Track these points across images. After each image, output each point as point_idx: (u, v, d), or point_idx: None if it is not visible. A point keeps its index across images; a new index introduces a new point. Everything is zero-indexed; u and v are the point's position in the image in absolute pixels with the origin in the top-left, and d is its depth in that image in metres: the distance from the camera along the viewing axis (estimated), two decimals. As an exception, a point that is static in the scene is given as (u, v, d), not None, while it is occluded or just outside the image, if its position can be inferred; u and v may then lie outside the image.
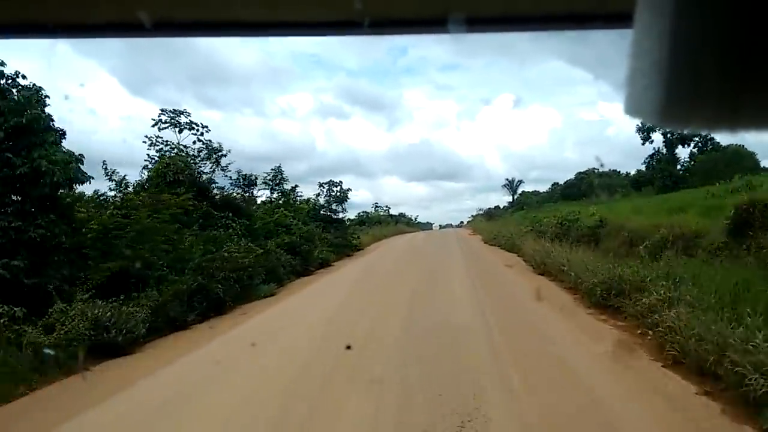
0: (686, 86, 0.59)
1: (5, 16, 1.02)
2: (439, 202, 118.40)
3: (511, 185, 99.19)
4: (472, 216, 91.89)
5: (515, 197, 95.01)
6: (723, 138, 33.72)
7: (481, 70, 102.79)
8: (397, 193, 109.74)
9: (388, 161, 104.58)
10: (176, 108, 25.06)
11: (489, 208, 67.12)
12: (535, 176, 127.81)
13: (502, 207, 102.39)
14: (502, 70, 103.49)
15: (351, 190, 68.69)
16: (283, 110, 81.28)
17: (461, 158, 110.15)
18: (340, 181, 68.26)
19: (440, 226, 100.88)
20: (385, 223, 73.38)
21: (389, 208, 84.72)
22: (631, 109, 0.64)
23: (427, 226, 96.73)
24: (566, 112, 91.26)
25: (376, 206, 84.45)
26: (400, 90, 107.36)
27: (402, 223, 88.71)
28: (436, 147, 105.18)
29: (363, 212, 79.76)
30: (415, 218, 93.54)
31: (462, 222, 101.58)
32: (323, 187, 67.47)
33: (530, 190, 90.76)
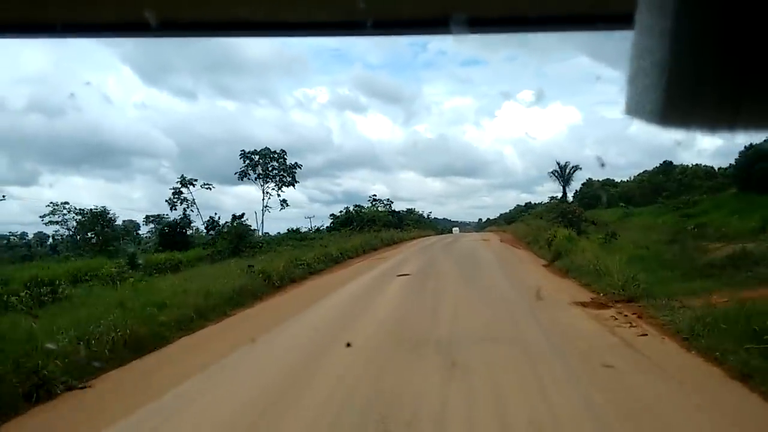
0: (687, 87, 0.59)
1: (12, 16, 1.03)
2: (456, 198, 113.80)
3: (563, 173, 72.58)
4: (500, 214, 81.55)
5: (567, 188, 70.05)
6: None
7: (502, 65, 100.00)
8: (414, 189, 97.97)
9: (405, 156, 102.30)
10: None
11: (562, 201, 40.19)
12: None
13: (536, 204, 79.36)
14: (523, 64, 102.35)
15: (300, 167, 42.82)
16: (300, 102, 79.73)
17: (479, 154, 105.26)
18: (282, 151, 42.03)
19: (460, 227, 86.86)
20: (377, 227, 49.20)
21: (391, 202, 61.53)
22: (632, 110, 0.64)
23: (443, 225, 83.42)
24: (587, 109, 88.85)
25: (374, 199, 61.17)
26: (419, 84, 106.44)
27: (410, 224, 64.49)
28: (454, 142, 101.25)
29: (356, 206, 55.87)
30: (428, 215, 78.05)
31: (481, 220, 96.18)
32: (249, 158, 41.17)
33: (596, 178, 64.80)
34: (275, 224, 74.05)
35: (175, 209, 35.32)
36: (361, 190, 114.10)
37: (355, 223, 50.35)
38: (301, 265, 20.09)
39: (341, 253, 26.13)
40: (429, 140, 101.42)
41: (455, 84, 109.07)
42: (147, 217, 42.61)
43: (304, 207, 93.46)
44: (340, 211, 54.18)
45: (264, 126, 68.64)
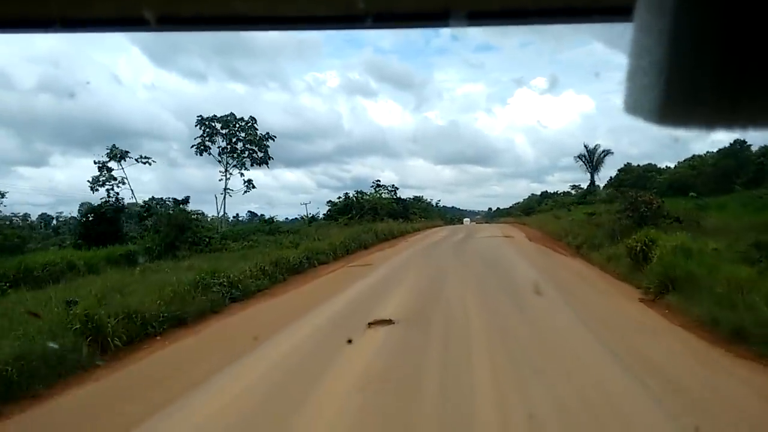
0: (685, 85, 0.59)
1: (10, 11, 1.03)
2: (466, 186, 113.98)
3: (591, 158, 63.60)
4: (514, 204, 78.86)
5: (595, 174, 61.79)
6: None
7: (515, 51, 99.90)
8: (424, 176, 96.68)
9: (415, 143, 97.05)
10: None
11: (591, 189, 31.92)
12: (566, 164, 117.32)
13: (560, 192, 72.70)
14: (537, 51, 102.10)
15: (274, 138, 33.14)
16: (310, 86, 79.52)
17: (490, 142, 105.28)
18: (252, 118, 31.92)
19: (470, 216, 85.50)
20: (379, 216, 42.50)
21: (396, 188, 54.43)
22: (630, 108, 0.64)
23: (451, 213, 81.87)
24: (600, 97, 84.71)
25: (378, 185, 54.32)
26: (430, 70, 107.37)
27: (416, 213, 57.81)
28: (465, 129, 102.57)
29: (358, 192, 48.54)
30: (437, 203, 75.21)
31: (491, 209, 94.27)
32: (208, 126, 30.69)
33: (633, 163, 55.68)
34: (274, 210, 70.34)
35: (98, 191, 27.17)
36: (371, 176, 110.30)
37: (354, 212, 43.31)
38: (220, 284, 11.95)
39: (308, 258, 17.90)
40: (440, 127, 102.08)
41: (467, 70, 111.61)
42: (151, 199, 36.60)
43: (311, 192, 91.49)
44: (338, 198, 46.91)
45: (274, 109, 68.56)
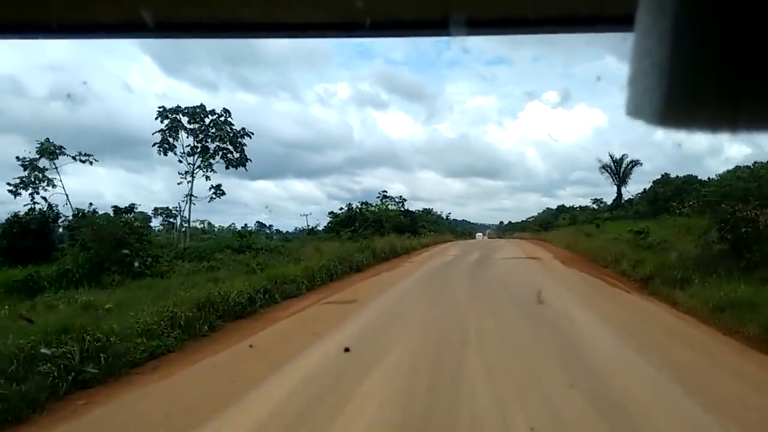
0: (687, 88, 0.59)
1: (8, 16, 1.01)
2: (476, 200, 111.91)
3: (617, 169, 57.79)
4: (530, 217, 76.66)
5: (622, 186, 56.17)
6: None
7: (527, 64, 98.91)
8: (434, 189, 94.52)
9: (426, 155, 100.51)
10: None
11: (617, 203, 26.03)
12: (577, 177, 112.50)
13: (577, 207, 67.82)
14: (549, 64, 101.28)
15: (251, 135, 25.78)
16: (321, 97, 78.98)
17: (501, 155, 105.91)
18: (225, 110, 22.84)
19: (482, 230, 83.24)
20: (383, 229, 37.12)
21: (404, 200, 49.97)
22: (632, 111, 0.64)
23: (462, 227, 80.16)
24: (613, 112, 79.67)
25: (384, 196, 49.43)
26: (442, 82, 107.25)
27: (426, 226, 53.04)
28: (476, 142, 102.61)
29: (363, 204, 43.72)
30: (447, 216, 72.37)
31: (502, 223, 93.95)
32: (170, 117, 24.19)
33: (673, 175, 49.71)
34: (288, 221, 68.44)
35: (20, 195, 22.12)
36: (381, 188, 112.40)
37: (357, 224, 38.40)
38: (62, 354, 6.69)
39: (266, 291, 12.64)
40: (450, 140, 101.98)
41: (479, 83, 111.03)
42: (156, 209, 34.42)
43: (321, 204, 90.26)
44: (341, 209, 42.09)
45: (285, 120, 68.09)
